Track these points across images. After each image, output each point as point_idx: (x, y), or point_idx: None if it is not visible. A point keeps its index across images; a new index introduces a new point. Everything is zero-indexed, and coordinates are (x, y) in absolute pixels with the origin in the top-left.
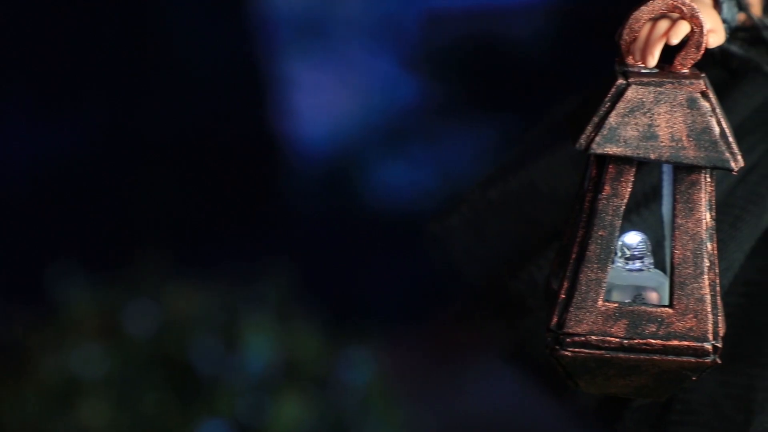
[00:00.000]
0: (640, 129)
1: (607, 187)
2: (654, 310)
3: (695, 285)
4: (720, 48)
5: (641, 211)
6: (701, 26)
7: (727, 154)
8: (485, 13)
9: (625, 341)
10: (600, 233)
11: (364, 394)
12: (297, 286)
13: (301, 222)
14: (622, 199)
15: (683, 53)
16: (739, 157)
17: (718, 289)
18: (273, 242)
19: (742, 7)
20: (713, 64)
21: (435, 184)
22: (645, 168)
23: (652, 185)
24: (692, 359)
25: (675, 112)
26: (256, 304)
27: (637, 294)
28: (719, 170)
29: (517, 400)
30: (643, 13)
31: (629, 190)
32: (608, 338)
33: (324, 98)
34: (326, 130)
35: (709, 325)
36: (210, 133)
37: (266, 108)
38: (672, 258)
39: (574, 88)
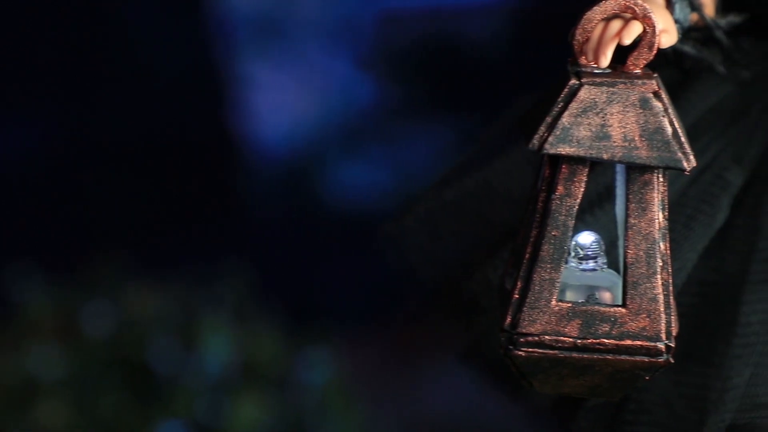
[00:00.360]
0: (593, 129)
1: (560, 187)
2: (607, 309)
3: (648, 285)
4: (673, 48)
5: (595, 211)
6: (654, 26)
7: (680, 154)
8: (442, 14)
9: (579, 341)
10: (553, 233)
11: (322, 395)
12: (255, 286)
13: (260, 222)
14: (576, 199)
15: (636, 53)
16: (692, 157)
17: (671, 288)
18: (231, 243)
19: (694, 7)
20: (666, 64)
21: (394, 184)
22: (599, 168)
23: (605, 185)
24: (645, 359)
25: (628, 112)
26: (214, 304)
27: (591, 294)
28: (672, 170)
29: (474, 400)
30: (596, 13)
31: (582, 190)
32: (562, 338)
33: (283, 99)
34: (285, 131)
35: (662, 324)
36: (168, 134)
37: (225, 108)
38: (625, 258)
39: (530, 89)
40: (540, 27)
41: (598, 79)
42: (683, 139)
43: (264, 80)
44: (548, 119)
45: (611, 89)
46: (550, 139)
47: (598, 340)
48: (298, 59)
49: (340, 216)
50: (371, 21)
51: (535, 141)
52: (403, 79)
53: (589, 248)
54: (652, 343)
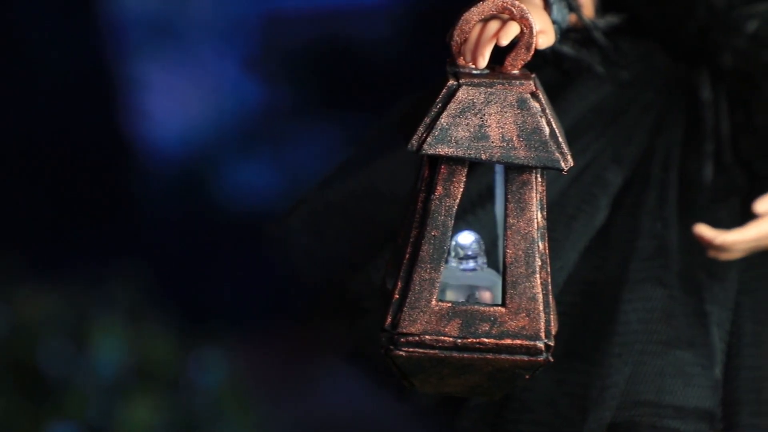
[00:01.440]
0: (471, 129)
1: (439, 188)
2: (487, 309)
3: (527, 284)
4: (551, 49)
5: (477, 211)
6: (531, 27)
7: (557, 155)
8: (330, 16)
9: (459, 340)
10: (433, 233)
11: (215, 396)
12: (148, 287)
13: (152, 223)
14: (455, 199)
15: (513, 54)
16: (569, 158)
17: (550, 287)
18: (124, 244)
19: (572, 8)
20: (545, 64)
21: (286, 185)
22: (481, 168)
23: (487, 185)
24: (525, 358)
25: (505, 112)
26: (106, 306)
27: (471, 293)
28: (550, 170)
29: (363, 400)
30: (473, 14)
31: (461, 190)
32: (442, 337)
33: (175, 100)
34: (177, 132)
35: (542, 323)
36: (60, 135)
37: (117, 109)
38: (504, 257)
39: (416, 89)
40: (429, 28)
41: (476, 80)
42: (561, 139)
43: (156, 81)
44: (427, 120)
45: (489, 90)
46: (429, 139)
47: (478, 340)
48: (189, 60)
49: (233, 217)
50: (261, 22)
51: (414, 142)
52: (293, 79)
53: (469, 248)
54: (532, 342)
